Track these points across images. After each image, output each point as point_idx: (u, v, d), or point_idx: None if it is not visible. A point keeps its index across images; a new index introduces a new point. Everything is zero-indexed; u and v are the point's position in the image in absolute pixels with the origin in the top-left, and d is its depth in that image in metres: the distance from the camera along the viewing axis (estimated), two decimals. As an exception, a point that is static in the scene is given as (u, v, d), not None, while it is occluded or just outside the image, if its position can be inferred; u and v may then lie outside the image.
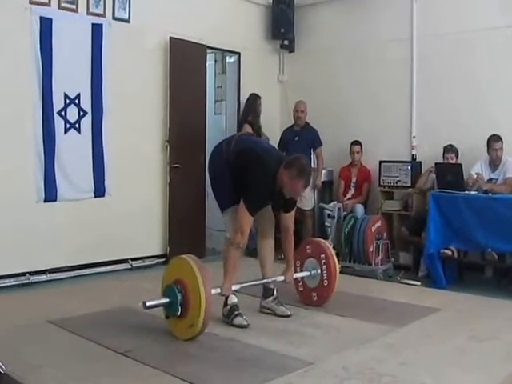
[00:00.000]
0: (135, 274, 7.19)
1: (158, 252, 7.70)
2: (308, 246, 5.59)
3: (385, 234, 7.22)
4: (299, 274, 5.48)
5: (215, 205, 8.23)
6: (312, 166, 8.19)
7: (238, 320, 4.88)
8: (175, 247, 7.57)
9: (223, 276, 4.87)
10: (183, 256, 4.62)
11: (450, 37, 7.74)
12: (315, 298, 5.51)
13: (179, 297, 4.41)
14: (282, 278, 5.29)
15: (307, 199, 8.05)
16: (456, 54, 7.73)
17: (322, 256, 5.43)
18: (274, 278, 5.27)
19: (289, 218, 5.18)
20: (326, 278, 5.40)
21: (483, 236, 6.34)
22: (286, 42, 9.30)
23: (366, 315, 5.31)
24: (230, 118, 8.89)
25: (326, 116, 8.57)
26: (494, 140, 6.92)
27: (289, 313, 5.23)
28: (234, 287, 4.89)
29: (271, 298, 5.29)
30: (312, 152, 8.23)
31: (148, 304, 4.47)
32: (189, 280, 4.40)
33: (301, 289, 5.64)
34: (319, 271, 5.44)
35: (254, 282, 5.23)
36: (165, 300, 4.51)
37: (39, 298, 5.91)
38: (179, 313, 4.43)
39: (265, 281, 5.24)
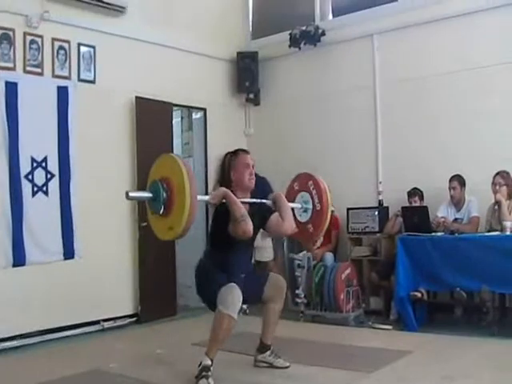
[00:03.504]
0: (107, 335, 7.10)
1: (129, 312, 7.63)
2: (295, 184, 5.50)
3: (355, 281, 7.26)
4: (292, 204, 5.28)
5: (185, 261, 8.35)
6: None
7: (202, 382, 4.69)
8: (147, 306, 7.60)
9: (209, 344, 4.79)
10: (173, 155, 4.60)
11: (411, 82, 7.94)
12: (311, 230, 5.38)
13: (163, 195, 4.33)
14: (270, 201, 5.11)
15: (265, 249, 8.08)
16: (417, 99, 7.91)
17: (310, 183, 5.35)
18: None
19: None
20: (317, 201, 5.29)
21: (451, 276, 6.39)
22: (251, 96, 9.40)
23: (338, 363, 5.32)
24: (197, 174, 8.81)
25: (294, 166, 8.48)
26: (449, 180, 7.10)
27: (288, 364, 5.21)
28: None
29: (268, 353, 5.25)
30: None
31: (131, 195, 4.49)
32: (176, 180, 4.29)
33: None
34: (311, 205, 5.32)
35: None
36: (148, 194, 4.44)
37: (10, 366, 5.81)
38: (161, 211, 4.36)
39: (254, 200, 5.03)
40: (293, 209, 5.25)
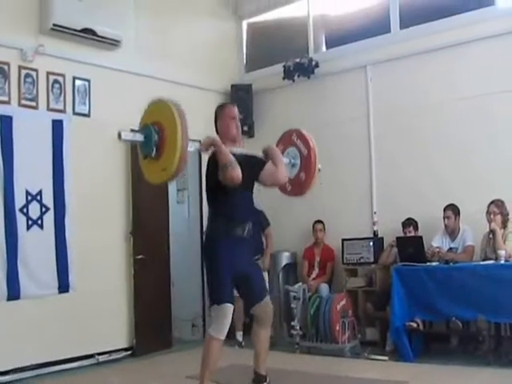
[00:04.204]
0: (102, 368, 7.03)
1: (124, 345, 7.57)
2: (279, 145, 5.50)
3: (350, 312, 7.24)
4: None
5: (180, 294, 8.35)
6: (263, 249, 8.19)
7: None
8: (142, 339, 7.56)
9: (200, 372, 4.75)
10: (166, 100, 4.58)
11: (404, 112, 8.00)
12: (289, 188, 5.44)
13: (155, 137, 4.37)
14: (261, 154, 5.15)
15: None
16: (410, 129, 7.96)
17: (293, 136, 5.46)
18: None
19: None
20: (303, 148, 5.37)
21: (447, 305, 6.37)
22: (245, 128, 9.36)
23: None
24: (192, 206, 8.92)
25: (288, 197, 8.58)
26: (444, 209, 7.14)
27: None
28: None
29: None
30: (261, 233, 8.21)
31: (123, 137, 4.48)
32: (167, 124, 4.36)
33: None
34: (299, 162, 5.36)
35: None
36: (140, 137, 4.48)
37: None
38: (154, 153, 4.39)
39: (246, 152, 5.04)
40: None
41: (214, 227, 4.93)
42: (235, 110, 5.12)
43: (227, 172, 4.57)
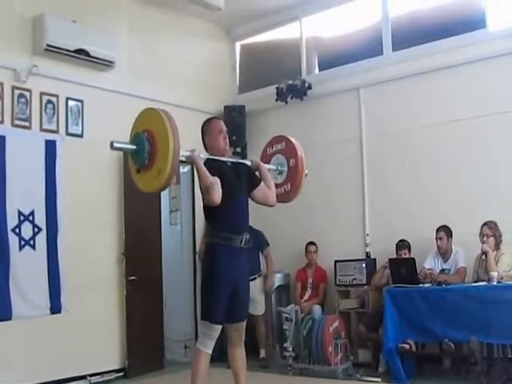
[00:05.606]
0: (94, 390, 7.01)
1: (116, 366, 7.52)
2: (268, 148, 5.55)
3: (343, 333, 7.23)
4: (267, 166, 5.31)
5: (173, 315, 8.31)
6: (261, 269, 8.23)
7: None
8: (134, 360, 7.52)
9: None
10: (153, 108, 4.63)
11: (397, 134, 8.06)
12: (287, 189, 5.37)
13: (147, 147, 4.39)
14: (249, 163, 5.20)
15: (259, 303, 8.03)
16: (403, 151, 8.01)
17: (283, 144, 5.45)
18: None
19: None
20: (293, 160, 5.36)
21: (439, 327, 6.36)
22: (238, 150, 9.39)
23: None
24: (185, 227, 8.89)
25: (281, 218, 8.57)
26: (436, 230, 7.16)
27: None
28: None
29: None
30: (260, 254, 8.24)
31: (116, 145, 4.46)
32: (157, 128, 4.39)
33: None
34: (286, 168, 5.37)
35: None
36: (132, 146, 4.50)
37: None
38: (147, 160, 4.40)
39: (234, 160, 5.11)
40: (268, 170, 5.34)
41: (212, 240, 4.90)
42: (222, 124, 5.14)
43: (207, 195, 4.61)
